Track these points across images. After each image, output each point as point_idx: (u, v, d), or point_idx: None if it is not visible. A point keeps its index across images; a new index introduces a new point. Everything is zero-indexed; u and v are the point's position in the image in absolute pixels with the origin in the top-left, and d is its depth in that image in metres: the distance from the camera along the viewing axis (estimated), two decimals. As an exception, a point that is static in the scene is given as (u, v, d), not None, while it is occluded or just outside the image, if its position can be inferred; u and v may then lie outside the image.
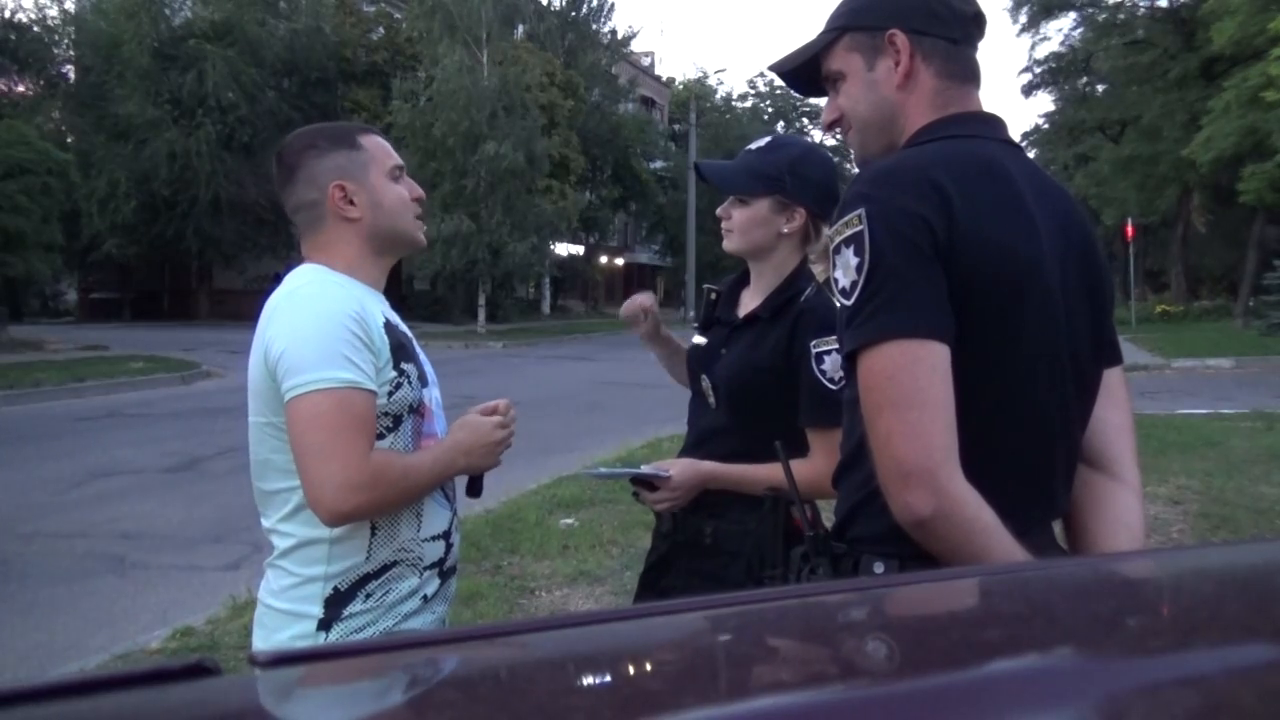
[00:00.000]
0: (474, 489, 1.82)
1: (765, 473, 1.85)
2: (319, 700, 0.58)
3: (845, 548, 1.27)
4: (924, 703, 0.47)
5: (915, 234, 1.12)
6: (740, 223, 1.99)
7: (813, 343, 1.87)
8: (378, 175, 1.66)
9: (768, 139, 2.05)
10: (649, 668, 0.62)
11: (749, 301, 2.08)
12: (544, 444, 7.74)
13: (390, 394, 1.58)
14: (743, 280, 2.12)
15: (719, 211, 2.05)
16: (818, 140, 50.90)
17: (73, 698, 0.51)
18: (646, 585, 2.15)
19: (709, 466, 1.98)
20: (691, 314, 31.27)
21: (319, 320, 1.54)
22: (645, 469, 2.02)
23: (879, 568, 1.22)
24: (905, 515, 1.11)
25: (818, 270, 1.97)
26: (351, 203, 1.64)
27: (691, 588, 1.98)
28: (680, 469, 1.98)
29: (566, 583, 4.50)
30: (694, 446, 2.07)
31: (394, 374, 1.58)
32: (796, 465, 1.77)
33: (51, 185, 17.53)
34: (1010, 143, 1.31)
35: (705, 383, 2.05)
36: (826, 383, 1.83)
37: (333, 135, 1.68)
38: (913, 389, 1.10)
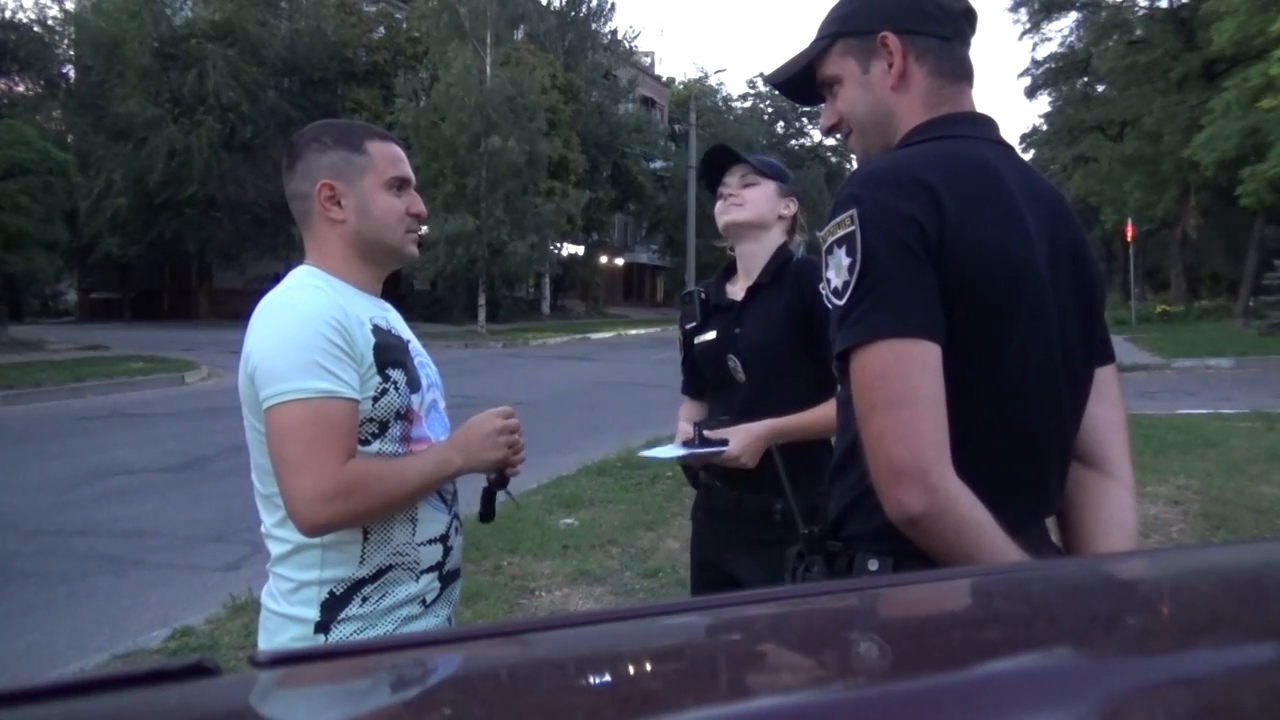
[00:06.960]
0: (487, 512, 1.78)
1: (822, 413, 1.94)
2: (319, 700, 0.58)
3: (840, 545, 1.27)
4: (923, 703, 0.47)
5: (906, 234, 1.13)
6: (751, 197, 2.20)
7: (822, 286, 1.99)
8: (373, 183, 1.64)
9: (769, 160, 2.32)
10: (649, 668, 0.62)
11: (735, 289, 2.25)
12: (544, 444, 7.73)
13: (375, 400, 1.57)
14: (725, 274, 2.31)
15: (725, 188, 2.21)
16: (817, 141, 50.95)
17: (73, 698, 0.51)
18: (705, 565, 2.24)
19: (768, 424, 2.04)
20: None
21: (295, 328, 1.52)
22: (699, 450, 2.04)
23: (873, 565, 1.22)
24: (898, 513, 1.11)
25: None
26: (338, 204, 1.63)
27: (757, 558, 1.99)
28: (738, 437, 2.04)
29: (566, 583, 4.50)
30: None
31: (378, 380, 1.57)
32: (818, 408, 1.92)
33: (53, 185, 17.52)
34: (1001, 142, 1.33)
35: (733, 362, 2.15)
36: None
37: (341, 134, 1.67)
38: (904, 388, 1.10)
